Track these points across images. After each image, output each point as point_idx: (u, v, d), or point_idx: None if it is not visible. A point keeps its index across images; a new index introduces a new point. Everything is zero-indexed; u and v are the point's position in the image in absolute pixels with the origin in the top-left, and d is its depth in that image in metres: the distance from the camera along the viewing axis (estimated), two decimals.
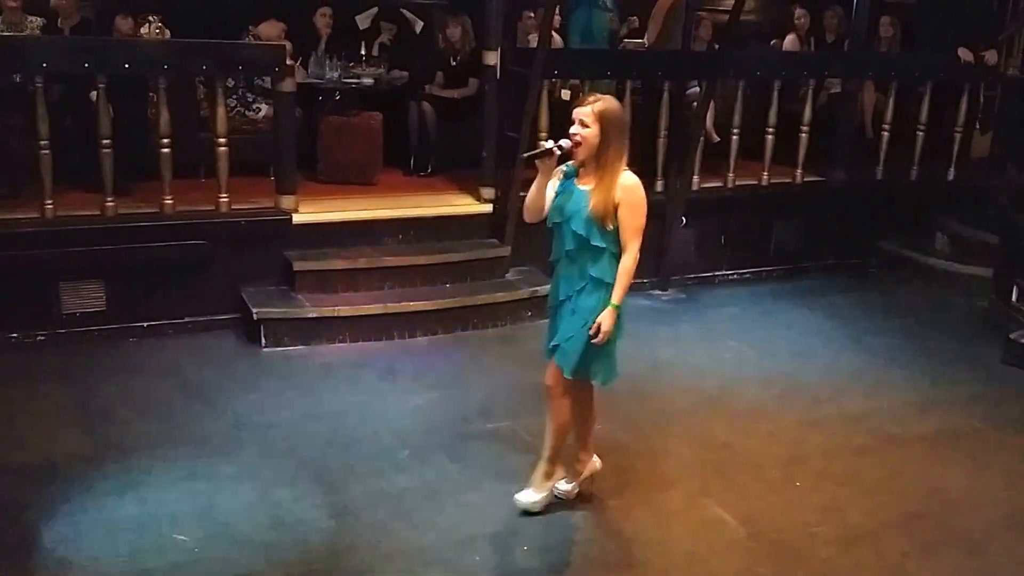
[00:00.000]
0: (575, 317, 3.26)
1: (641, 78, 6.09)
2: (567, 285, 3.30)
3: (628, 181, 3.19)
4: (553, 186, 3.28)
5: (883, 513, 3.67)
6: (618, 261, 3.21)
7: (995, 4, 7.34)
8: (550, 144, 3.24)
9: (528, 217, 3.35)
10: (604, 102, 3.21)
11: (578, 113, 3.19)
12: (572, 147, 3.18)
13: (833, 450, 4.14)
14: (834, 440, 4.24)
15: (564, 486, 3.57)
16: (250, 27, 6.03)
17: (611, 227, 3.17)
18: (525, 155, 3.35)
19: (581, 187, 3.23)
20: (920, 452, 4.17)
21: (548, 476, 3.50)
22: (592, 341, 3.19)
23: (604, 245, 3.20)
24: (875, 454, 4.13)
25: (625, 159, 3.21)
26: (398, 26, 6.76)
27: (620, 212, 3.16)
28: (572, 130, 3.19)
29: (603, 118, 3.16)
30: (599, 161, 3.18)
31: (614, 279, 3.21)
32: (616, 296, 3.20)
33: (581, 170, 3.25)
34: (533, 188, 3.27)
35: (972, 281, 6.19)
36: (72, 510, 3.41)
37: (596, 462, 3.64)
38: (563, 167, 3.30)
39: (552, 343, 3.35)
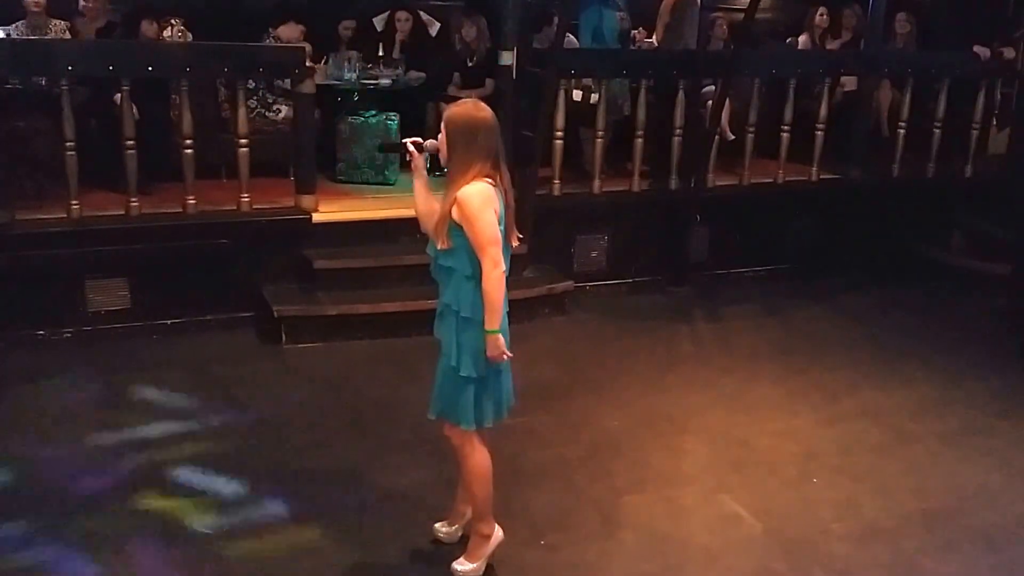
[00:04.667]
0: (440, 351, 2.97)
1: (656, 77, 6.12)
2: (437, 311, 3.01)
3: (463, 193, 2.79)
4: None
5: (900, 510, 3.68)
6: (476, 284, 2.85)
7: (1012, 0, 7.30)
8: (407, 141, 2.95)
9: (422, 226, 3.00)
10: (456, 107, 2.88)
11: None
12: (435, 150, 2.91)
13: (850, 447, 4.16)
14: (851, 437, 4.25)
15: (444, 528, 3.28)
16: (270, 28, 6.11)
17: (448, 245, 2.83)
18: (381, 144, 3.12)
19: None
20: (937, 449, 4.18)
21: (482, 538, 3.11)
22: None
23: (451, 265, 2.87)
24: (892, 451, 4.14)
25: (473, 173, 2.81)
26: (413, 17, 6.77)
27: (465, 230, 2.81)
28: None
29: (447, 124, 2.84)
30: (448, 172, 2.87)
31: (464, 307, 2.86)
32: (487, 320, 2.82)
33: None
34: (414, 194, 3.00)
35: (990, 278, 6.17)
36: (100, 503, 3.49)
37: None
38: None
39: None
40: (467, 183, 2.81)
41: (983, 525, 3.60)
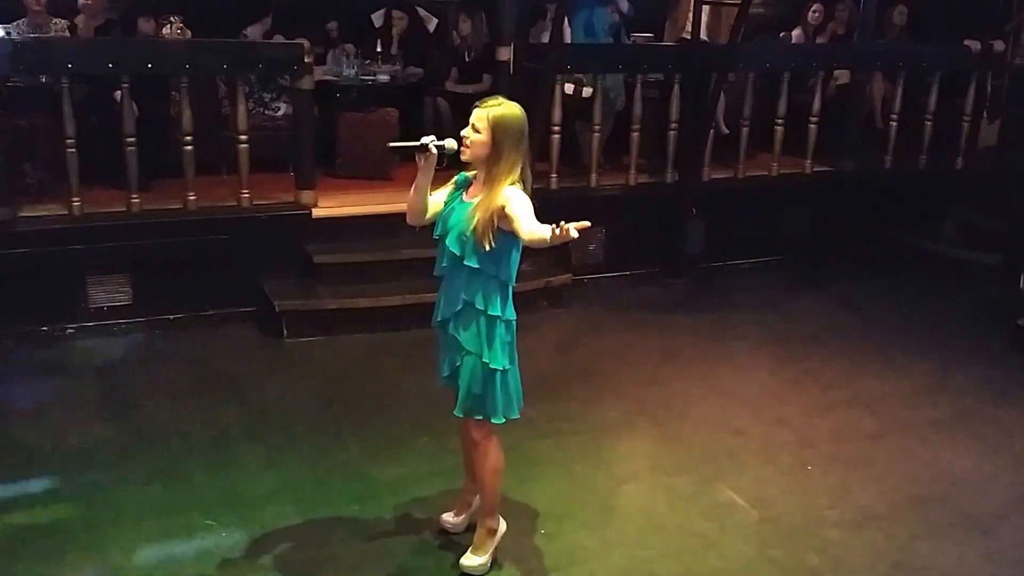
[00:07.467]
0: (458, 349, 2.94)
1: (651, 72, 6.15)
2: (446, 306, 2.95)
3: (511, 191, 2.80)
4: (445, 192, 2.98)
5: (893, 496, 3.74)
6: (499, 286, 2.88)
7: None
8: (427, 140, 2.84)
9: (409, 219, 2.98)
10: (503, 108, 2.83)
11: (473, 115, 2.85)
12: (455, 149, 2.86)
13: (844, 434, 4.22)
14: (845, 425, 4.31)
15: (451, 518, 3.33)
16: (243, 31, 6.10)
17: (490, 247, 2.79)
18: (390, 145, 2.98)
19: (467, 200, 2.90)
20: (930, 436, 4.24)
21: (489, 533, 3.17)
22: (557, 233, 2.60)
23: (479, 267, 2.84)
24: (885, 438, 4.20)
25: (517, 174, 2.83)
26: (409, 16, 6.83)
27: (507, 210, 2.76)
28: (464, 132, 2.86)
29: (497, 126, 2.79)
30: (488, 173, 2.82)
31: (492, 306, 2.87)
32: (540, 233, 2.67)
33: (474, 180, 2.92)
34: (412, 188, 2.92)
35: (981, 268, 6.24)
36: (104, 497, 3.53)
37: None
38: (459, 175, 2.99)
39: (445, 373, 3.04)
40: (510, 183, 2.81)
41: (975, 511, 3.66)
